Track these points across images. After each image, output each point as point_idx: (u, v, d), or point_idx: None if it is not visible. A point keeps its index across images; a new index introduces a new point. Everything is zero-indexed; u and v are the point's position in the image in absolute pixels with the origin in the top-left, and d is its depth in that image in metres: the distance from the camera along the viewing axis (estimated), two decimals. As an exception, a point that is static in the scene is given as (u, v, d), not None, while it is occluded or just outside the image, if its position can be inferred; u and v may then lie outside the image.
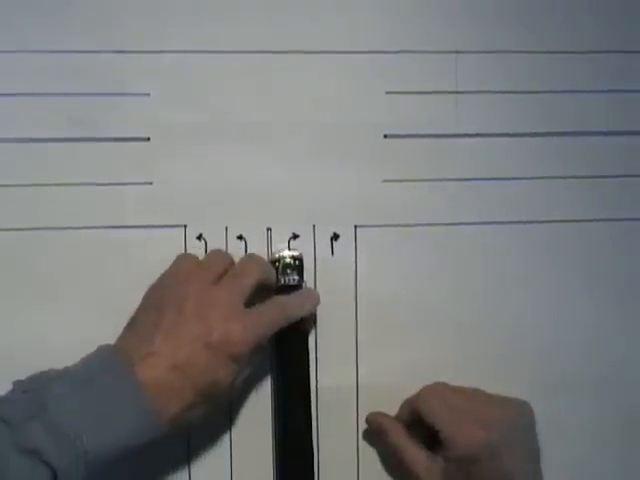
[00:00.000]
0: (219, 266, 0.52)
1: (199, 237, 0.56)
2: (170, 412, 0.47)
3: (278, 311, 0.52)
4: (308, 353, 0.56)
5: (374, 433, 0.57)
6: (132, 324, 0.51)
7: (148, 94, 0.56)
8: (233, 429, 0.56)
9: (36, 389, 0.45)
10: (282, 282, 0.55)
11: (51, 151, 0.55)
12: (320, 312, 0.57)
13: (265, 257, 0.56)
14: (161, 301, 0.50)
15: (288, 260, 0.55)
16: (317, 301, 0.56)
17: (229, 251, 0.56)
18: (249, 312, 0.50)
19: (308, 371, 0.56)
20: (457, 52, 0.58)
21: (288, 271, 0.55)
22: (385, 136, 0.57)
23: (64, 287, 0.55)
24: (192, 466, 0.56)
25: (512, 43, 0.58)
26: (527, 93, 0.58)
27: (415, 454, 0.53)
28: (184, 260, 0.53)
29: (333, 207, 0.57)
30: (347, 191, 0.57)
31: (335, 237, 0.57)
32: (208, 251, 0.56)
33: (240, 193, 0.56)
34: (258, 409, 0.57)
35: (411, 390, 0.56)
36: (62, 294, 0.54)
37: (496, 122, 0.58)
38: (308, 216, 0.57)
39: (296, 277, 0.55)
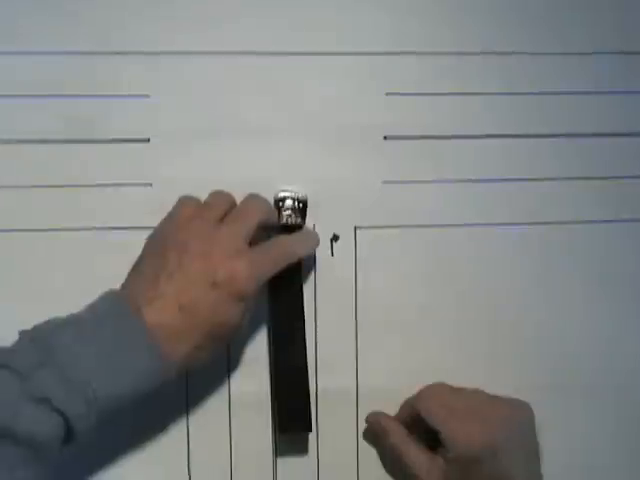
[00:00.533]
0: (221, 206, 0.52)
1: (199, 238, 0.56)
2: (179, 354, 0.47)
3: (282, 249, 0.52)
4: (302, 289, 0.55)
5: (374, 433, 0.57)
6: (136, 269, 0.50)
7: (148, 95, 0.56)
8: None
9: (43, 337, 0.45)
10: (285, 222, 0.55)
11: (51, 152, 0.55)
12: (320, 313, 0.57)
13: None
14: (164, 244, 0.49)
15: (292, 201, 0.55)
16: (318, 241, 0.56)
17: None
18: (253, 250, 0.50)
19: (302, 308, 0.55)
20: (457, 53, 0.58)
21: (291, 212, 0.55)
22: (385, 137, 0.57)
23: (63, 288, 0.54)
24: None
25: (512, 44, 0.58)
26: (527, 94, 0.58)
27: (415, 454, 0.54)
28: (185, 202, 0.52)
29: (333, 208, 0.57)
30: (347, 192, 0.57)
31: (335, 238, 0.57)
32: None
33: (239, 195, 0.56)
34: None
35: (411, 391, 0.56)
36: (61, 295, 0.53)
37: (496, 123, 0.58)
38: (308, 217, 0.57)
39: (299, 219, 0.55)
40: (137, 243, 0.55)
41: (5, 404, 0.43)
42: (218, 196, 0.53)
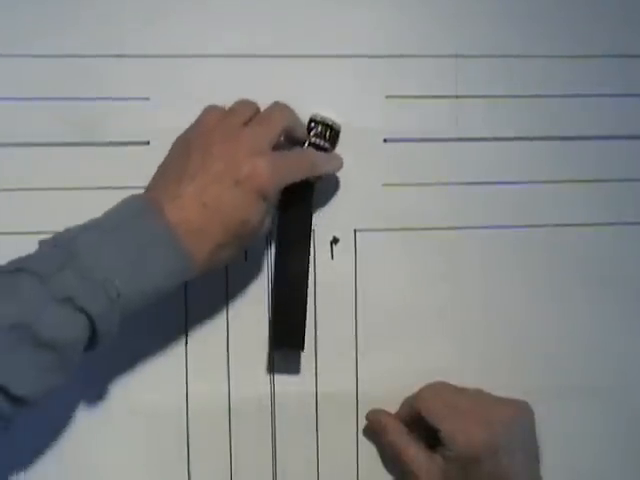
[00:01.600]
0: (246, 112, 0.51)
1: (199, 240, 0.56)
2: (202, 251, 0.47)
3: (305, 159, 0.52)
4: (312, 204, 0.56)
5: (374, 431, 0.57)
6: (159, 171, 0.51)
7: (148, 98, 0.56)
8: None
9: (64, 242, 0.45)
10: (312, 142, 0.55)
11: (51, 155, 0.55)
12: (320, 314, 0.57)
13: (265, 265, 0.57)
14: (188, 147, 0.50)
15: (323, 127, 0.55)
16: (341, 164, 0.55)
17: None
18: (276, 154, 0.50)
19: (311, 221, 0.55)
20: (457, 56, 0.58)
21: (321, 135, 0.55)
22: (385, 140, 0.57)
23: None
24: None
25: (511, 47, 0.58)
26: (526, 97, 0.58)
27: (414, 453, 0.54)
28: (211, 110, 0.52)
29: (333, 211, 0.57)
30: (347, 195, 0.57)
31: (335, 241, 0.57)
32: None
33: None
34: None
35: (411, 391, 0.57)
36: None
37: (496, 126, 0.58)
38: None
39: (327, 144, 0.55)
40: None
41: (26, 306, 0.42)
42: (243, 103, 0.53)
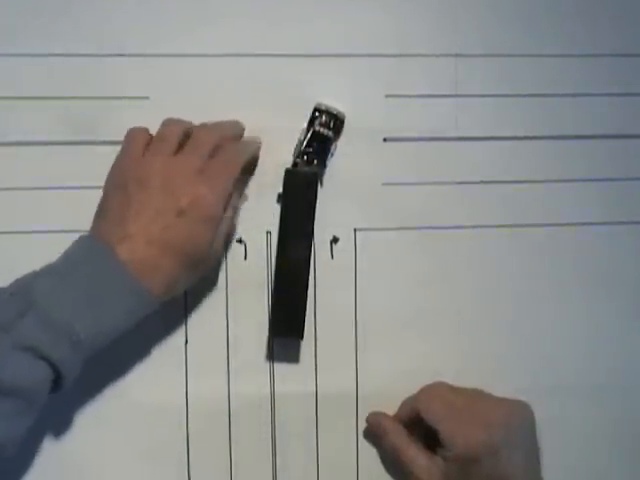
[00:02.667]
0: (173, 137, 0.51)
1: (199, 240, 0.56)
2: (159, 285, 0.48)
3: (233, 161, 0.52)
4: (316, 188, 0.55)
5: (374, 433, 0.57)
6: (100, 212, 0.51)
7: (147, 97, 0.56)
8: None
9: (22, 289, 0.45)
10: (317, 131, 0.55)
11: (50, 154, 0.55)
12: (320, 314, 0.57)
13: (265, 263, 0.57)
14: (124, 181, 0.50)
15: (327, 116, 0.55)
16: (259, 146, 0.56)
17: (229, 256, 0.56)
18: (208, 172, 0.50)
19: (314, 206, 0.55)
20: (457, 55, 0.58)
21: (326, 124, 0.55)
22: (385, 139, 0.57)
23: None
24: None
25: (511, 46, 0.58)
26: (527, 96, 0.58)
27: (414, 454, 0.54)
28: (135, 136, 0.52)
29: (333, 210, 0.57)
30: (347, 194, 0.57)
31: (335, 240, 0.57)
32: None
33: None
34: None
35: (411, 392, 0.57)
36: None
37: (496, 125, 0.58)
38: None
39: (330, 132, 0.55)
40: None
41: None
42: (170, 127, 0.53)
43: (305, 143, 0.55)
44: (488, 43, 0.58)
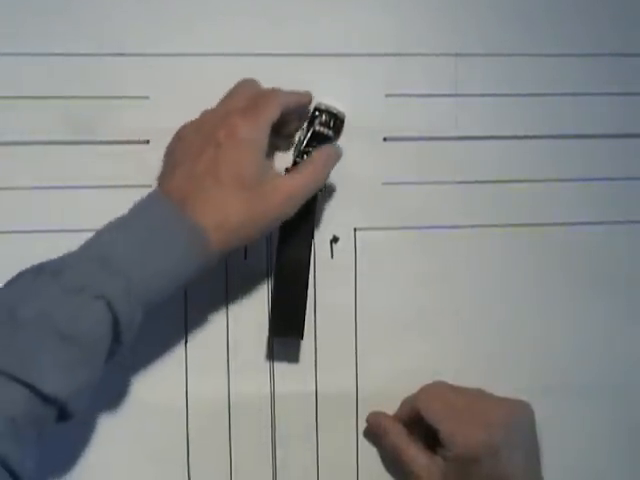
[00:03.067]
0: (240, 102, 0.52)
1: (199, 240, 0.56)
2: (212, 221, 0.47)
3: (273, 100, 0.51)
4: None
5: (374, 433, 0.57)
6: (169, 161, 0.52)
7: (147, 97, 0.56)
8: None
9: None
10: (317, 130, 0.54)
11: (50, 154, 0.55)
12: (320, 314, 0.57)
13: (265, 263, 0.57)
14: (180, 136, 0.52)
15: (327, 116, 0.55)
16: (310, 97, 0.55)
17: (228, 255, 0.56)
18: (247, 109, 0.50)
19: (315, 205, 0.55)
20: (457, 55, 0.58)
21: (326, 123, 0.55)
22: (385, 139, 0.57)
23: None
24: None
25: (511, 46, 0.58)
26: (526, 96, 0.58)
27: (414, 454, 0.54)
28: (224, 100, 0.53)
29: (333, 210, 0.57)
30: (347, 194, 0.57)
31: (335, 240, 0.57)
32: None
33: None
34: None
35: (411, 392, 0.57)
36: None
37: (496, 125, 0.58)
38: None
39: (330, 132, 0.55)
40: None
41: (45, 302, 0.43)
42: (241, 87, 0.53)
43: (305, 142, 0.55)
44: (488, 42, 0.58)
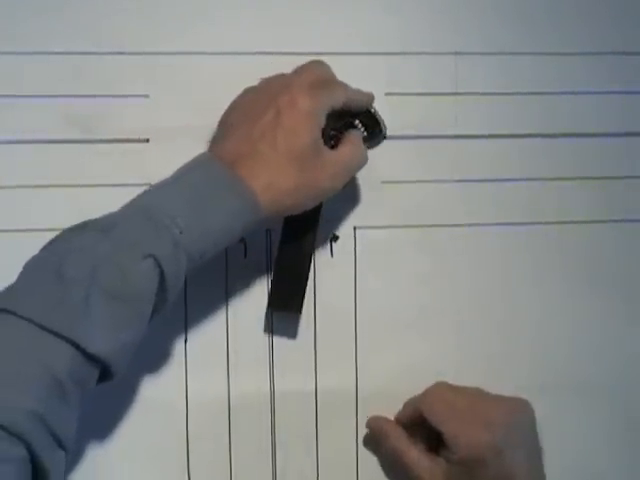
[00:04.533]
0: (310, 77, 0.51)
1: (198, 239, 0.56)
2: (258, 182, 0.47)
3: (339, 90, 0.52)
4: None
5: (375, 437, 0.57)
6: (224, 124, 0.52)
7: (147, 95, 0.56)
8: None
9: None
10: (354, 122, 0.54)
11: (50, 152, 0.55)
12: (319, 313, 0.57)
13: (265, 261, 0.57)
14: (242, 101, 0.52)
15: (372, 121, 0.55)
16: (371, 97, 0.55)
17: (229, 253, 0.56)
18: (312, 88, 0.50)
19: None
20: (456, 53, 0.58)
21: (364, 124, 0.55)
22: (384, 137, 0.57)
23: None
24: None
25: (511, 44, 0.58)
26: (526, 94, 0.58)
27: (416, 456, 0.54)
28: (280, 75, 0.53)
29: (332, 208, 0.57)
30: (346, 192, 0.57)
31: (334, 238, 0.57)
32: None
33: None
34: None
35: (410, 392, 0.56)
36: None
37: (495, 123, 0.58)
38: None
39: (365, 134, 0.55)
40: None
41: (92, 259, 0.43)
42: (312, 65, 0.53)
43: (337, 127, 0.54)
44: (488, 41, 0.58)
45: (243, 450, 0.57)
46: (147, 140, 0.56)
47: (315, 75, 0.51)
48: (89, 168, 0.55)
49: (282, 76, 0.52)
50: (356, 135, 0.53)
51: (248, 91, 0.52)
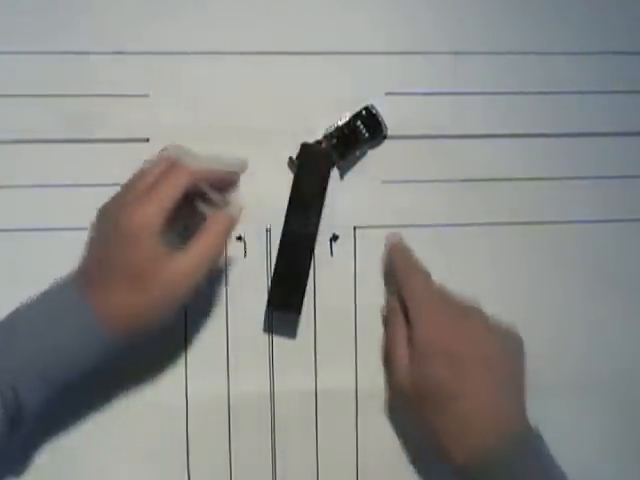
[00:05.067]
0: (149, 177, 0.50)
1: (198, 238, 0.56)
2: (103, 306, 0.47)
3: (180, 174, 0.49)
4: (329, 168, 0.56)
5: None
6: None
7: (147, 95, 0.56)
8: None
9: None
10: (355, 124, 0.56)
11: (50, 152, 0.55)
12: (319, 312, 0.57)
13: (265, 261, 0.56)
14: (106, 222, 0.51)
15: (373, 121, 0.56)
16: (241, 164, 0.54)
17: (228, 252, 0.56)
18: (150, 193, 0.48)
19: (327, 183, 0.55)
20: (456, 53, 0.58)
21: (366, 124, 0.56)
22: (384, 137, 0.57)
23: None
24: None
25: (511, 44, 0.58)
26: (526, 94, 0.58)
27: (400, 355, 0.53)
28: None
29: (332, 208, 0.57)
30: (346, 192, 0.57)
31: (334, 238, 0.57)
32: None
33: (239, 194, 0.56)
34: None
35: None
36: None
37: (495, 123, 0.58)
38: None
39: (367, 135, 0.56)
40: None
41: None
42: (140, 174, 0.51)
43: (339, 127, 0.56)
44: (488, 41, 0.58)
45: (243, 450, 0.56)
46: (147, 139, 0.56)
47: (153, 175, 0.49)
48: (89, 168, 0.55)
49: (123, 193, 0.50)
50: (213, 226, 0.50)
51: (103, 207, 0.51)
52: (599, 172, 0.59)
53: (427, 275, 0.55)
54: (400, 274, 0.55)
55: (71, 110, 0.55)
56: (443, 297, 0.54)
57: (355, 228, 0.57)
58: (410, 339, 0.52)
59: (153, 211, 0.48)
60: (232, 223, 0.51)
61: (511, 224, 0.59)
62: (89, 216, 0.54)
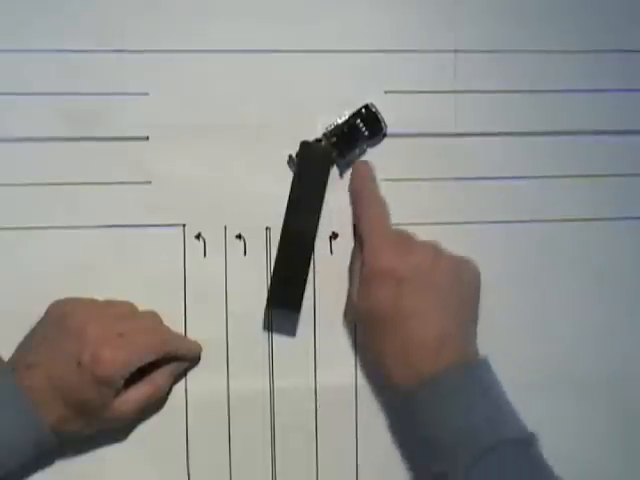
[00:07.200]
0: (122, 310, 0.54)
1: (197, 236, 0.56)
2: (48, 419, 0.49)
3: (156, 341, 0.53)
4: (329, 167, 0.56)
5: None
6: (30, 333, 0.52)
7: (147, 93, 0.56)
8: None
9: None
10: (355, 122, 0.56)
11: (50, 150, 0.55)
12: (319, 311, 0.57)
13: (265, 260, 0.56)
14: (51, 312, 0.52)
15: (372, 119, 0.56)
16: (199, 352, 0.56)
17: (228, 251, 0.56)
18: (122, 339, 0.51)
19: (326, 182, 0.56)
20: (455, 51, 0.58)
21: (365, 123, 0.56)
22: (384, 135, 0.57)
23: (61, 286, 0.54)
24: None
25: (510, 42, 0.58)
26: (526, 92, 0.58)
27: (355, 282, 0.54)
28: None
29: (332, 206, 0.57)
30: (346, 190, 0.57)
31: (334, 236, 0.57)
32: (207, 250, 0.56)
33: (239, 192, 0.56)
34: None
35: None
36: (61, 294, 0.54)
37: (495, 121, 0.58)
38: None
39: (366, 133, 0.56)
40: (136, 241, 0.55)
41: None
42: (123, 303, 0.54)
43: (339, 125, 0.56)
44: (487, 39, 0.58)
45: (243, 449, 0.56)
46: (147, 138, 0.56)
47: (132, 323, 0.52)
48: (89, 166, 0.55)
49: (108, 314, 0.52)
50: (166, 373, 0.54)
51: (65, 312, 0.52)
52: (598, 170, 0.59)
53: (383, 206, 0.55)
54: (357, 203, 0.56)
55: (71, 108, 0.55)
56: (397, 230, 0.55)
57: (355, 226, 0.57)
58: (361, 266, 0.53)
59: (124, 367, 0.50)
60: (181, 366, 0.55)
61: (511, 222, 0.58)
62: (89, 214, 0.55)
